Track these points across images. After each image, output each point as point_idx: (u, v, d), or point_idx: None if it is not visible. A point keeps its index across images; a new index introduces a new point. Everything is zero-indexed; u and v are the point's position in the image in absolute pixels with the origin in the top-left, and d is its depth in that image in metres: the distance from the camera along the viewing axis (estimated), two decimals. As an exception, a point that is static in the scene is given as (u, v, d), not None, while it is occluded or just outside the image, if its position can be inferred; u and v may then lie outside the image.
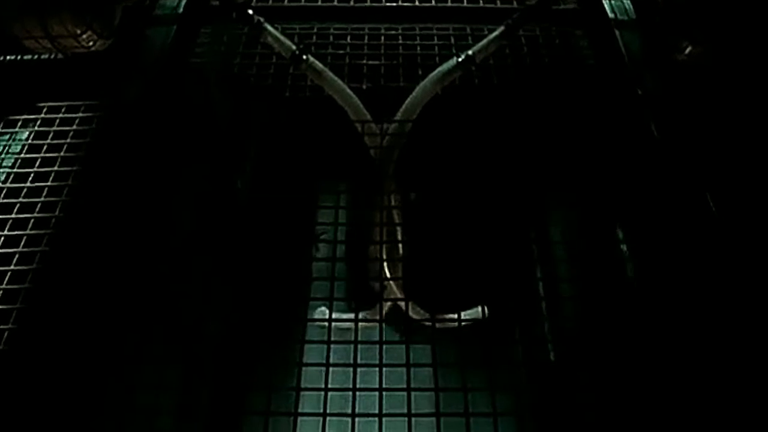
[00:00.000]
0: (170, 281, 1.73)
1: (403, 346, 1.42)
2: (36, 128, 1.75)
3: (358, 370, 1.34)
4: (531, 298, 1.84)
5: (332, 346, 1.38)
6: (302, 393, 1.30)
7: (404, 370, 1.34)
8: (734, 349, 1.37)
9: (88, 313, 1.42)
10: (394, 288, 1.79)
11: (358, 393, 1.29)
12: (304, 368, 1.33)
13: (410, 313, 1.61)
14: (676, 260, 1.55)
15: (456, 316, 1.77)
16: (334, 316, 1.51)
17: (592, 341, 1.66)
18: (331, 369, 1.31)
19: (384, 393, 1.28)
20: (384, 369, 1.33)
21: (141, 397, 1.35)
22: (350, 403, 1.27)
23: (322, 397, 1.28)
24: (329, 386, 1.28)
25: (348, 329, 1.59)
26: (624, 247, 1.73)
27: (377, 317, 1.78)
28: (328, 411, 1.25)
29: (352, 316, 1.73)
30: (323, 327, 1.46)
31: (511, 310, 1.92)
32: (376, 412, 1.25)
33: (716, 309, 1.44)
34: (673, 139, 1.66)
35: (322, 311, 1.78)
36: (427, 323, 1.74)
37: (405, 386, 1.28)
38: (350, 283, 1.91)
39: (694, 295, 1.48)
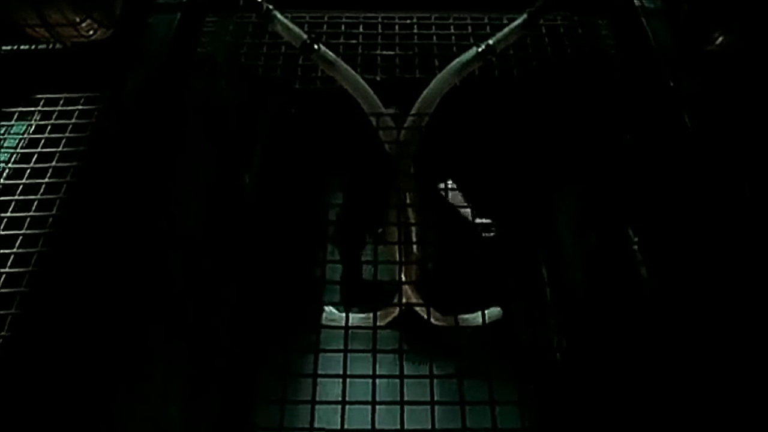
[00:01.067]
0: (175, 282, 1.65)
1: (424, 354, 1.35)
2: (33, 121, 1.65)
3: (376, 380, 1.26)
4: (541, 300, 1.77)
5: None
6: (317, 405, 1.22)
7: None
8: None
9: (89, 318, 1.34)
10: (409, 291, 1.71)
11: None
12: (319, 379, 1.25)
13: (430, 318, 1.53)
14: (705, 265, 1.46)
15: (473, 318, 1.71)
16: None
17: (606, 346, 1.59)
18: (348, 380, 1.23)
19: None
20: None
21: (145, 408, 1.28)
22: (369, 417, 1.19)
23: (339, 410, 1.20)
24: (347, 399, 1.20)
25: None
26: (648, 248, 1.65)
27: (388, 320, 1.71)
28: (346, 426, 1.16)
29: (364, 320, 1.65)
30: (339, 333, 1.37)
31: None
32: (398, 427, 1.16)
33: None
34: (708, 133, 1.57)
35: (334, 314, 1.71)
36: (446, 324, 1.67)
37: (429, 399, 1.20)
38: (363, 286, 1.83)
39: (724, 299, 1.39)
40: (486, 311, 1.83)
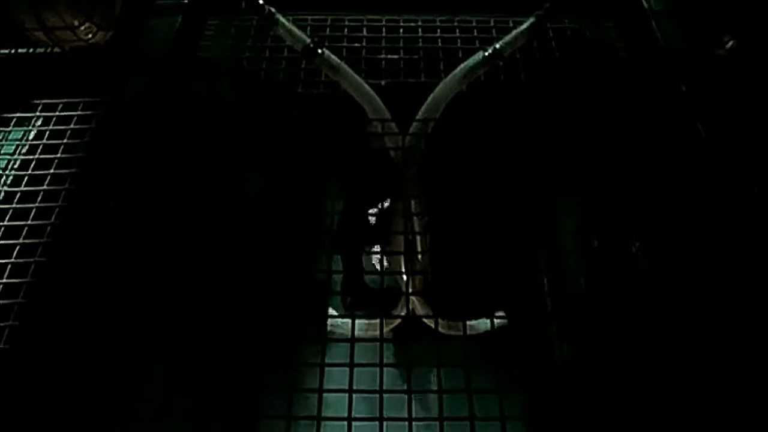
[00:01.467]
0: (177, 288, 1.62)
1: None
2: (31, 127, 1.63)
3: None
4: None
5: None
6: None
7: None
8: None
9: (89, 321, 1.31)
10: (414, 300, 1.68)
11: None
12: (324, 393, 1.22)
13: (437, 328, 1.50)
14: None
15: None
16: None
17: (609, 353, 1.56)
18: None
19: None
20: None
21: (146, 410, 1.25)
22: (376, 433, 1.16)
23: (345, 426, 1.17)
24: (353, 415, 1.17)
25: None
26: (651, 254, 1.62)
27: (390, 327, 1.68)
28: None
29: (369, 326, 1.62)
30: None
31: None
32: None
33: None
34: (717, 136, 1.54)
35: (337, 321, 1.67)
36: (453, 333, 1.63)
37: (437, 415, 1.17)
38: (367, 295, 1.80)
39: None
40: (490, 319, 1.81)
